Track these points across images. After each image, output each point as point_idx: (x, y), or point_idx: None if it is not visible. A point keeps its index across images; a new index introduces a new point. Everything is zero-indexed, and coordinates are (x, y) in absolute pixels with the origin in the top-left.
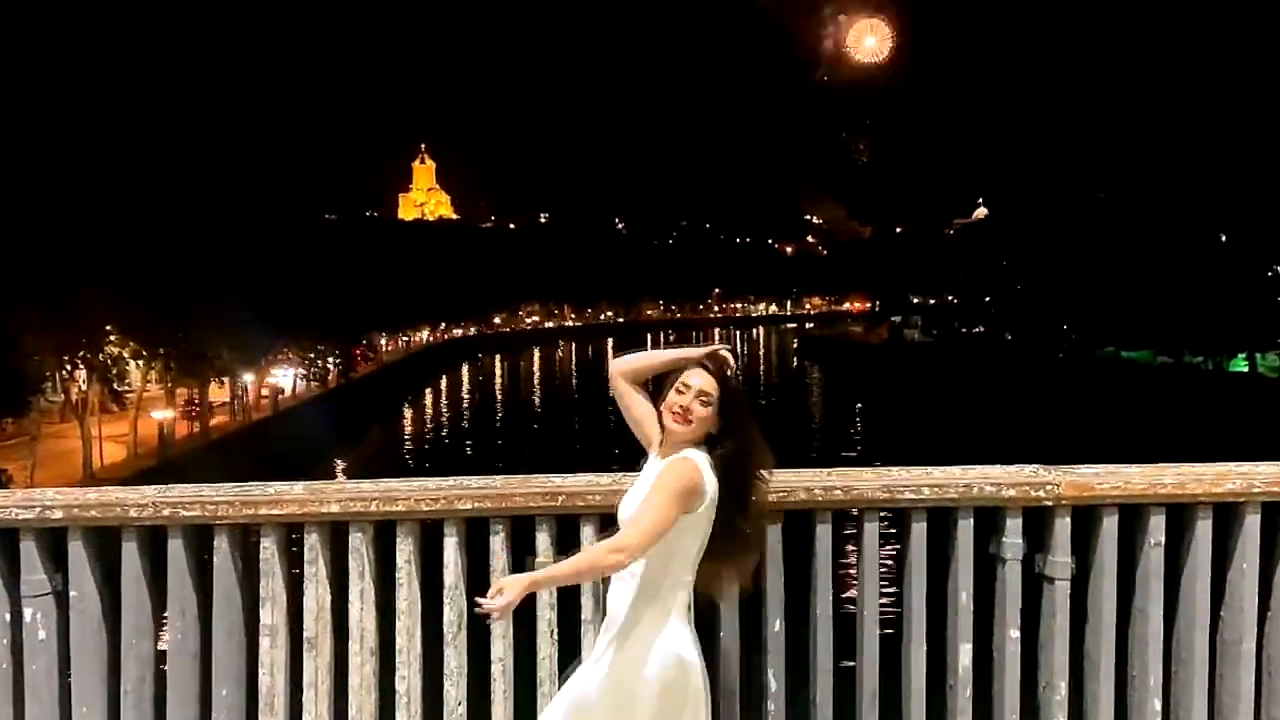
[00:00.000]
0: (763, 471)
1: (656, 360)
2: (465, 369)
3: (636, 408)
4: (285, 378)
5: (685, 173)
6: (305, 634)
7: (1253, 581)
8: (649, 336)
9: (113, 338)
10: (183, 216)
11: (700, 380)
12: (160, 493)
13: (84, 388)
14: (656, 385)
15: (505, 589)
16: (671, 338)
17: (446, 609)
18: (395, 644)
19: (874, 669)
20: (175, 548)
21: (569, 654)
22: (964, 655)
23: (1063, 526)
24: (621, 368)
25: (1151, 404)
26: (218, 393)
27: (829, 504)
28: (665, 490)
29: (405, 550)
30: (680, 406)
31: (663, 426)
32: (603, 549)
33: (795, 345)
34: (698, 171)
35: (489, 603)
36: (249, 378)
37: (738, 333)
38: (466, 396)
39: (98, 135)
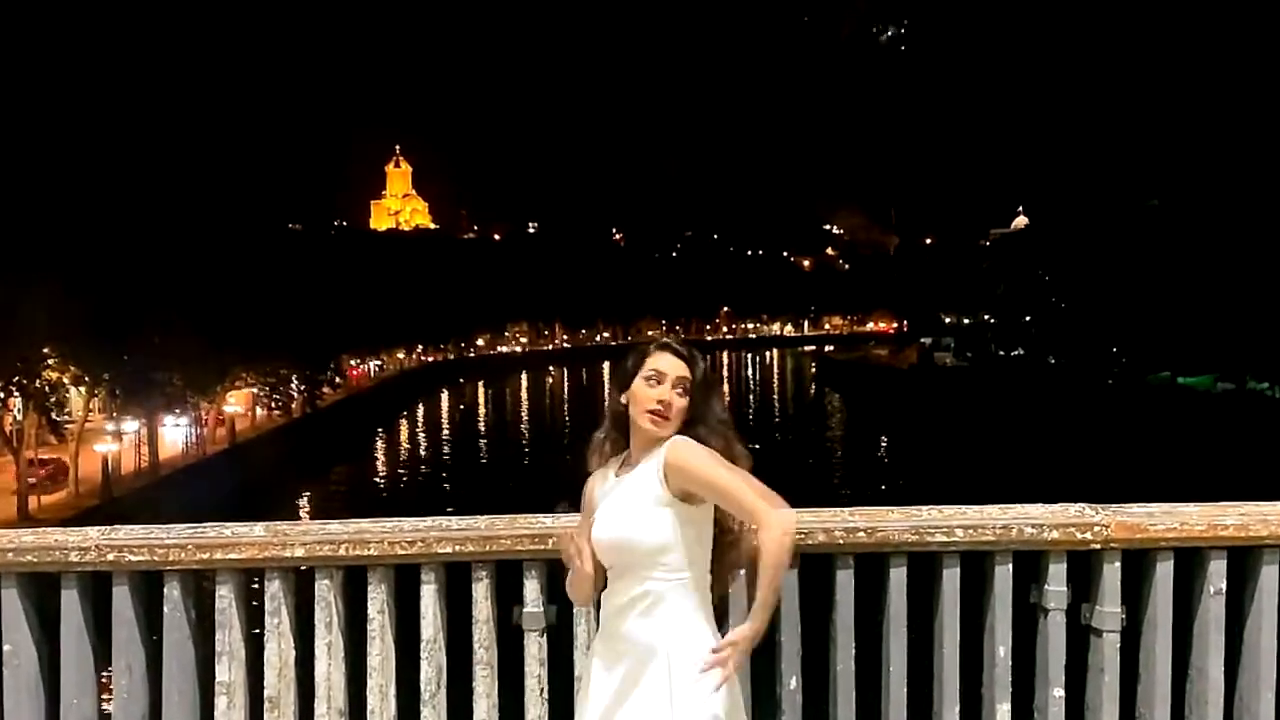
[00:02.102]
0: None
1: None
2: (445, 396)
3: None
4: (245, 406)
5: (689, 177)
6: (266, 692)
7: None
8: None
9: (51, 362)
10: (128, 226)
11: (671, 364)
12: (104, 535)
13: (19, 417)
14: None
15: (732, 654)
16: None
17: (424, 665)
18: (367, 704)
19: None
20: (121, 596)
21: (560, 716)
22: (1002, 716)
23: (1112, 572)
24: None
25: (1212, 435)
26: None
27: (851, 547)
28: (712, 464)
29: (378, 599)
30: (660, 402)
31: (625, 431)
32: (780, 531)
33: (813, 369)
34: (703, 175)
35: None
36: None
37: (749, 355)
38: (446, 427)
39: (30, 135)
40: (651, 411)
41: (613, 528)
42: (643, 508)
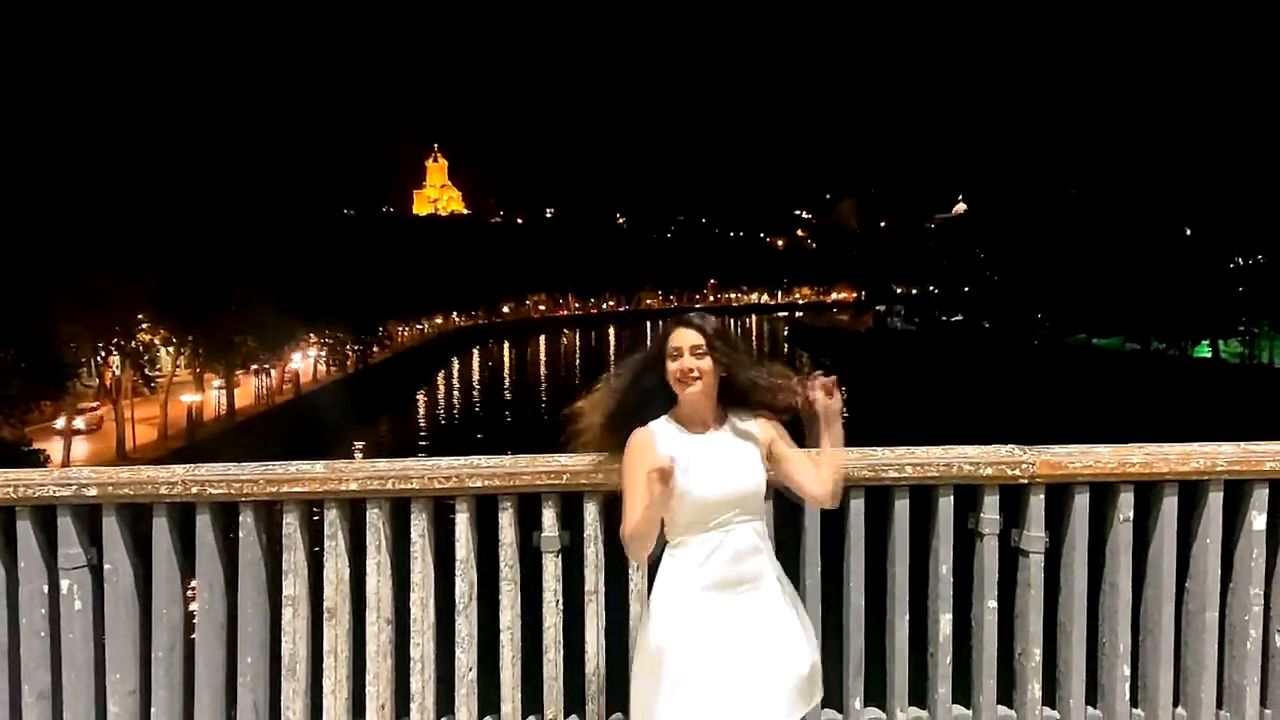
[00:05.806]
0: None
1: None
2: (475, 355)
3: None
4: (307, 363)
5: (682, 170)
6: (325, 604)
7: (1215, 555)
8: (649, 324)
9: (145, 326)
10: (210, 211)
11: (683, 336)
12: (189, 471)
13: (117, 372)
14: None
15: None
16: None
17: (458, 580)
18: (410, 613)
19: (859, 637)
20: (203, 523)
21: (573, 624)
22: (944, 625)
23: (1037, 503)
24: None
25: (1121, 388)
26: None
27: None
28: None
29: (419, 525)
30: (682, 370)
31: (675, 399)
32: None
33: (786, 332)
34: (694, 169)
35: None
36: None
37: (732, 321)
38: (477, 381)
39: (132, 132)
40: (680, 380)
41: (735, 482)
42: (755, 464)
